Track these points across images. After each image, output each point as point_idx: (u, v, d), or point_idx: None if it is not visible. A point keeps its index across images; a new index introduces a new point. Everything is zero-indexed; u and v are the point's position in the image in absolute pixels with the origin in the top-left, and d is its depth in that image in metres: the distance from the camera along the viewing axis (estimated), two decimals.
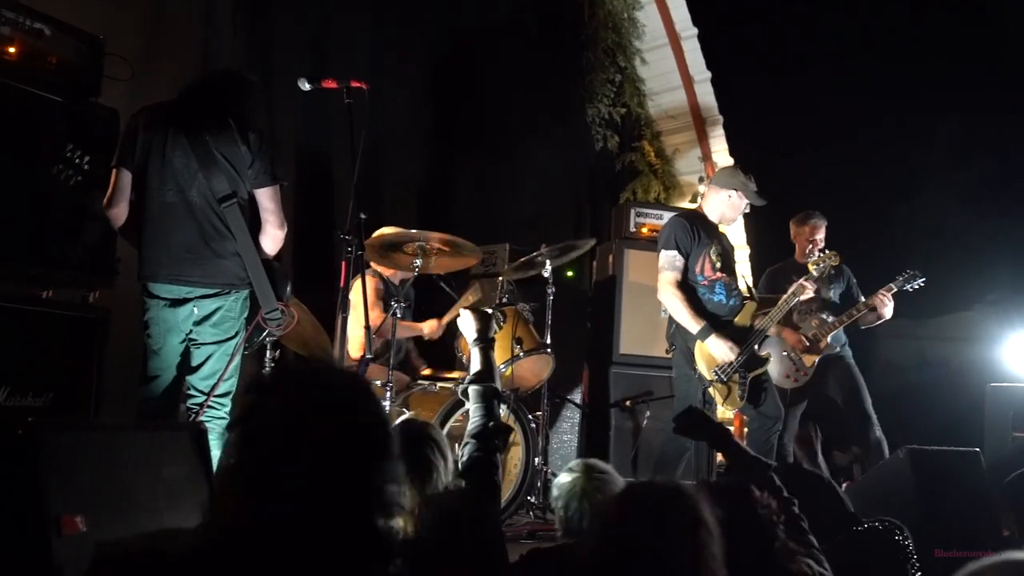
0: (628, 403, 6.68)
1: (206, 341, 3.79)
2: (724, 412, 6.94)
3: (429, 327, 5.55)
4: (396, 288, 5.59)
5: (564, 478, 3.01)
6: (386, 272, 5.60)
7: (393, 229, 5.37)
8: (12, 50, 3.98)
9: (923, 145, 7.22)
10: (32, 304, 4.03)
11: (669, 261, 5.18)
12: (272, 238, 3.92)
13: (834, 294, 6.13)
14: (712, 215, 5.37)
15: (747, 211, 5.45)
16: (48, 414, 3.82)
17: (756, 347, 5.18)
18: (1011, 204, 6.84)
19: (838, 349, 6.05)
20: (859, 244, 6.29)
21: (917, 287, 5.83)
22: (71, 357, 4.07)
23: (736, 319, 5.21)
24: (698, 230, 5.23)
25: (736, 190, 5.29)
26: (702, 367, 5.09)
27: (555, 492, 3.03)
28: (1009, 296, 6.79)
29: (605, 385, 6.80)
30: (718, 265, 5.21)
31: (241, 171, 3.80)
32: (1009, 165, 6.90)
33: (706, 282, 5.20)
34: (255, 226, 3.93)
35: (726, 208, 5.34)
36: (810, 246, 6.14)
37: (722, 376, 5.06)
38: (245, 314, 3.87)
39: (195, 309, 3.79)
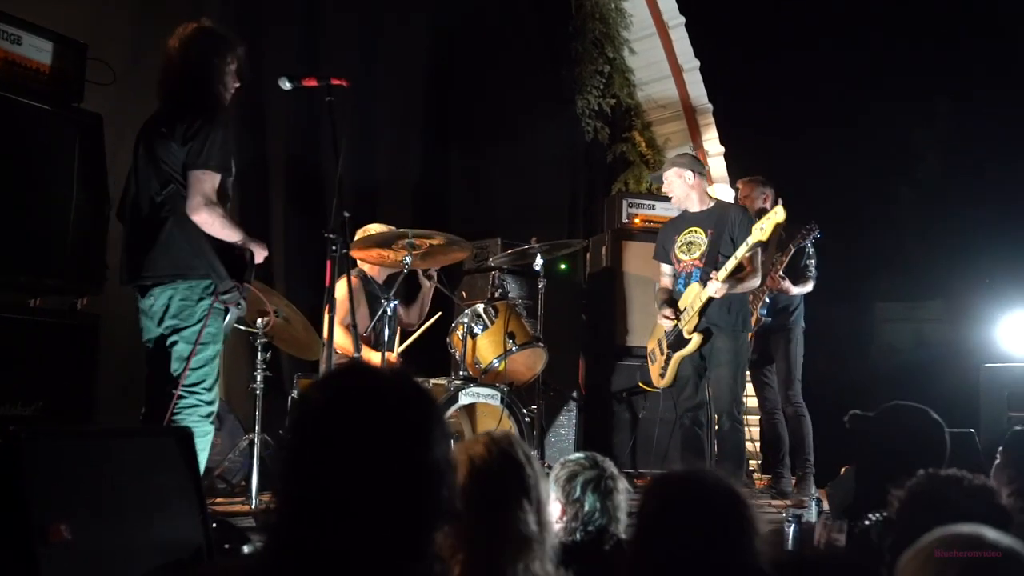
0: (625, 395, 6.68)
1: (170, 329, 3.83)
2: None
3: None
4: (381, 287, 5.57)
5: (577, 471, 2.96)
6: (370, 271, 5.59)
7: (380, 227, 5.37)
8: None
9: (920, 127, 7.21)
10: (20, 312, 4.02)
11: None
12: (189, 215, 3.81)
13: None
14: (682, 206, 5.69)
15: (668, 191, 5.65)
16: (39, 422, 3.80)
17: (683, 329, 5.36)
18: (1007, 185, 6.84)
19: (770, 320, 6.08)
20: (856, 227, 6.28)
21: (815, 239, 5.76)
22: (61, 365, 4.05)
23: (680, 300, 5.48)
24: (668, 231, 5.68)
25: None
26: (649, 343, 5.70)
27: (566, 486, 2.93)
28: (1004, 277, 6.78)
29: (601, 377, 6.80)
30: (681, 256, 5.51)
31: (172, 164, 3.82)
32: (1007, 146, 6.89)
33: (678, 275, 5.55)
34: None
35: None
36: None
37: (652, 354, 5.63)
38: (207, 302, 3.82)
39: (153, 299, 3.84)
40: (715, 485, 1.91)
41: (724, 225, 5.42)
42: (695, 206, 5.55)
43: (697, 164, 5.64)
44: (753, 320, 5.87)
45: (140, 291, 3.91)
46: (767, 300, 6.00)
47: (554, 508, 3.00)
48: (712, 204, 5.58)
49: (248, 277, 3.95)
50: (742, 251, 5.14)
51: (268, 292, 4.82)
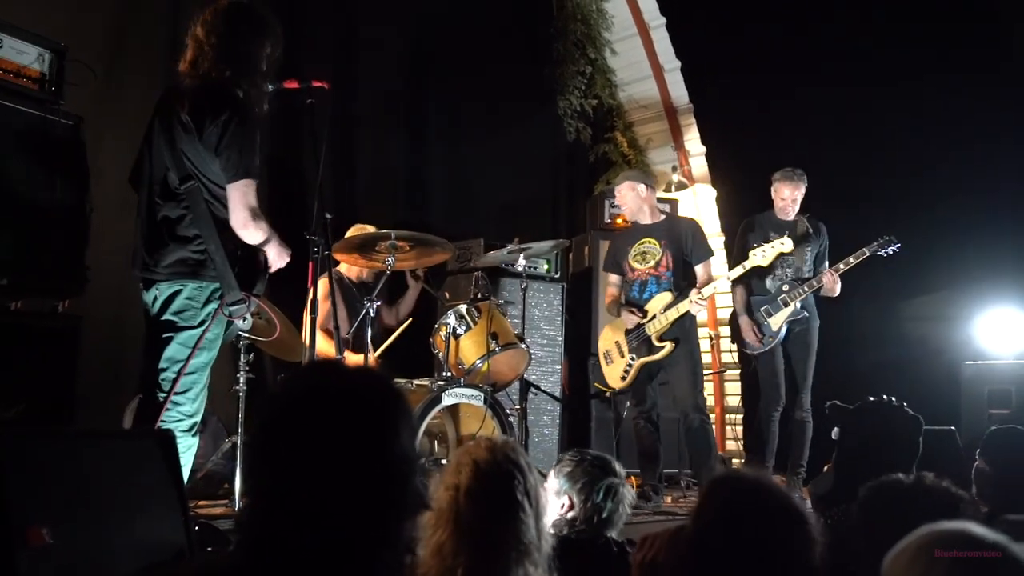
0: (607, 394, 6.68)
1: (168, 327, 3.61)
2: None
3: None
4: (360, 288, 5.56)
5: (599, 476, 2.95)
6: (349, 273, 5.58)
7: (361, 230, 5.36)
8: None
9: (903, 126, 7.23)
10: (1, 315, 4.00)
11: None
12: (236, 230, 3.64)
13: (809, 257, 6.04)
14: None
15: (621, 203, 5.95)
16: (20, 424, 3.77)
17: (651, 336, 5.58)
18: (987, 183, 6.86)
19: (804, 314, 5.98)
20: (837, 224, 6.30)
21: (891, 252, 5.70)
22: (42, 367, 4.02)
23: (646, 306, 5.66)
24: (620, 243, 5.95)
25: None
26: (601, 344, 5.93)
27: (586, 488, 2.94)
28: (984, 275, 6.82)
29: (584, 376, 6.81)
30: (636, 265, 5.75)
31: (195, 162, 3.61)
32: (983, 142, 6.92)
33: (632, 283, 5.78)
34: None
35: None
36: (782, 204, 6.12)
37: (608, 355, 5.83)
38: (213, 306, 3.63)
39: (156, 293, 3.63)
40: (782, 493, 1.84)
41: (676, 238, 5.70)
42: (646, 218, 5.83)
43: (649, 178, 5.96)
44: (787, 313, 5.89)
45: (145, 284, 3.68)
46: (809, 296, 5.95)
47: (555, 502, 3.00)
48: (663, 218, 5.88)
49: (259, 290, 3.77)
50: (736, 272, 5.63)
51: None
